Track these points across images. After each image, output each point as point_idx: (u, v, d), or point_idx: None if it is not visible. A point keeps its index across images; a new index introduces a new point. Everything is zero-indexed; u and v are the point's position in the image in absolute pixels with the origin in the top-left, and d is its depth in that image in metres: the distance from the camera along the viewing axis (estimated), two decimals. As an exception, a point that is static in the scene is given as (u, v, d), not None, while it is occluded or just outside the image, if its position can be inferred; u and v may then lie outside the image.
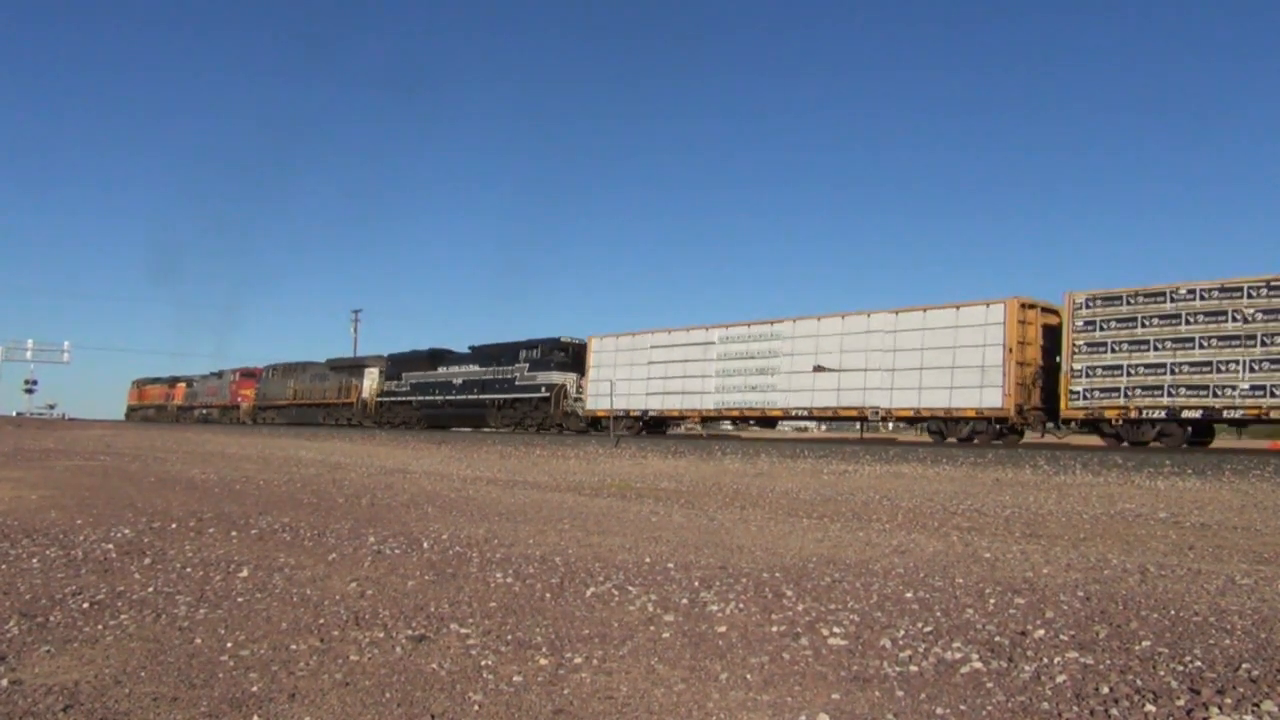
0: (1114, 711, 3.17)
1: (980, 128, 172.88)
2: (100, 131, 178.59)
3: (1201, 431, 20.22)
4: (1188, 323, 19.03)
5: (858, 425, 26.80)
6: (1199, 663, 3.65)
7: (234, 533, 7.45)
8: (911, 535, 7.87)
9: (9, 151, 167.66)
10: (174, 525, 7.86)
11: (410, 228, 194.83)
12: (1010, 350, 21.09)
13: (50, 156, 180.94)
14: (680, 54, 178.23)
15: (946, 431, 22.78)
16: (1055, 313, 21.74)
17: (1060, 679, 3.52)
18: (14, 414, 73.77)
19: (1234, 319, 18.42)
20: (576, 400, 31.67)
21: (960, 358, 22.00)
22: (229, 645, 4.05)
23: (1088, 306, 20.43)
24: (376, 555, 6.34)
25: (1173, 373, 19.13)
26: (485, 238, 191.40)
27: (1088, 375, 20.24)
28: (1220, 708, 3.13)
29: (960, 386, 21.90)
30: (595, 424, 31.16)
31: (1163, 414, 19.37)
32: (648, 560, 6.17)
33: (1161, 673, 3.56)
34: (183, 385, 63.12)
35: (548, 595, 5.07)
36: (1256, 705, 3.14)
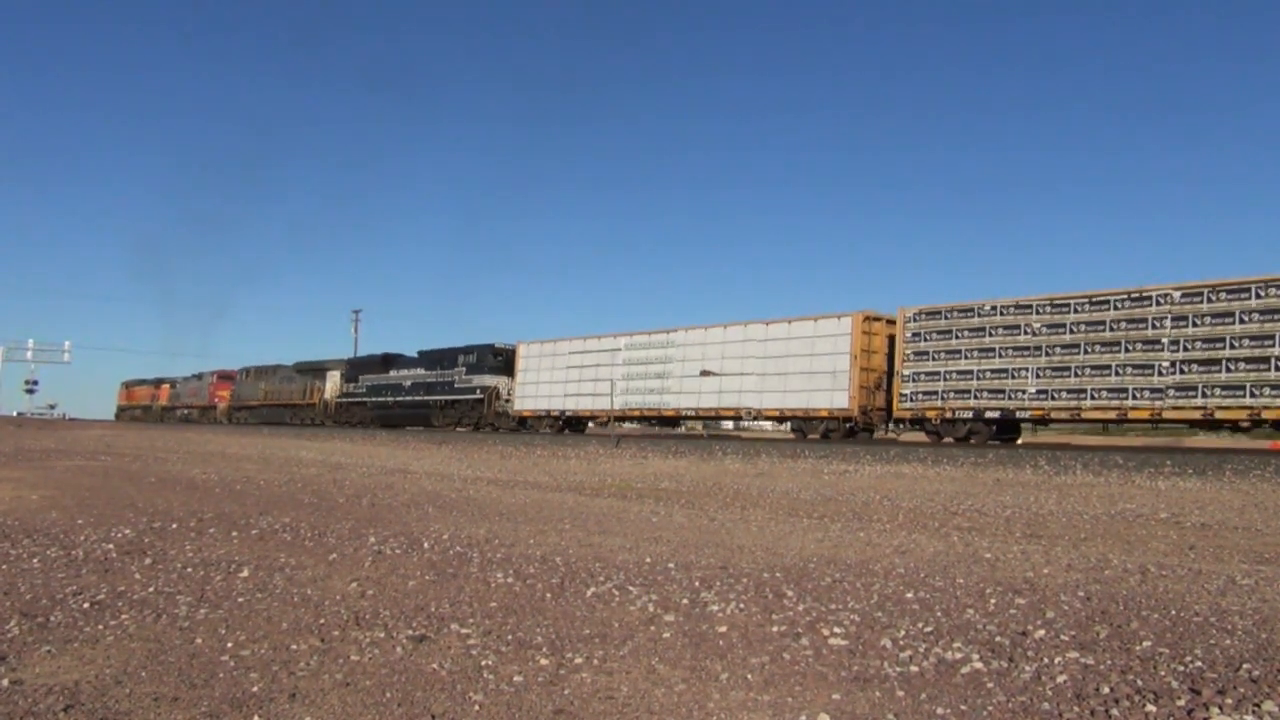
0: (1114, 712, 3.17)
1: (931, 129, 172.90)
2: (99, 131, 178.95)
3: (1006, 429, 23.12)
4: (990, 335, 22.24)
5: (731, 424, 30.96)
6: (1200, 663, 3.65)
7: (235, 533, 7.45)
8: (912, 535, 7.87)
9: (9, 151, 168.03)
10: (175, 525, 7.86)
11: (409, 227, 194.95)
12: (855, 357, 24.32)
13: (49, 156, 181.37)
14: (675, 55, 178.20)
15: (805, 430, 25.69)
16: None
17: (1061, 679, 3.52)
18: (15, 414, 73.81)
19: (1025, 332, 21.62)
20: (507, 401, 35.08)
21: (816, 364, 25.20)
22: (229, 645, 4.05)
23: (914, 320, 23.68)
24: (377, 555, 6.34)
25: (978, 378, 22.37)
26: (475, 236, 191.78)
27: (914, 380, 23.53)
28: (1221, 708, 3.13)
29: (816, 390, 25.09)
30: (523, 423, 34.45)
31: (970, 414, 22.51)
32: (648, 560, 6.17)
33: (1162, 673, 3.55)
34: (167, 386, 65.69)
35: (548, 595, 5.08)
36: (1257, 705, 3.14)
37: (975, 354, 22.42)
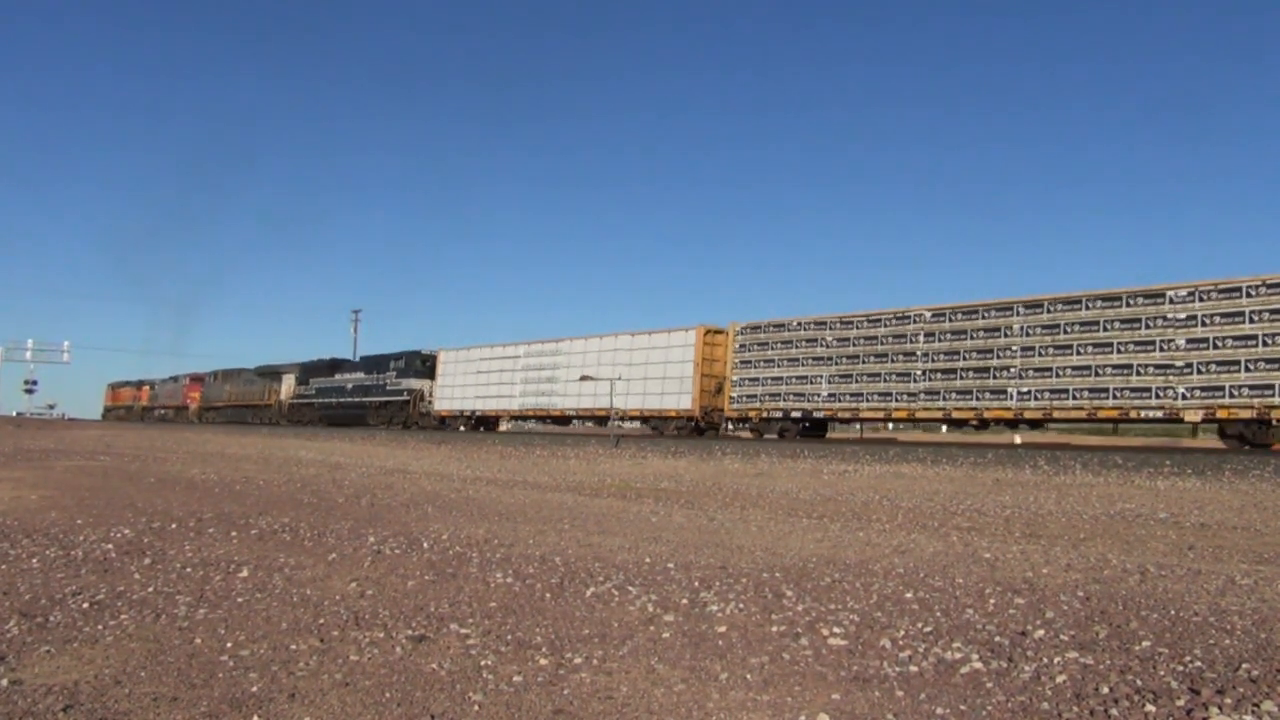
0: (1114, 711, 3.17)
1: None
2: (89, 129, 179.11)
3: (815, 427, 26.61)
4: (796, 347, 25.90)
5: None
6: (1199, 663, 3.65)
7: (234, 533, 7.45)
8: (911, 535, 7.87)
9: (9, 151, 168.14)
10: (174, 525, 7.86)
11: (401, 225, 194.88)
12: (698, 365, 27.94)
13: (44, 156, 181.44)
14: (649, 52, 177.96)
15: (661, 429, 29.16)
16: None
17: (1060, 679, 3.52)
18: (14, 414, 73.78)
19: (821, 345, 25.35)
20: (430, 403, 38.44)
21: (668, 371, 28.83)
22: (229, 645, 4.05)
23: (741, 333, 27.37)
24: (376, 555, 6.34)
25: (786, 384, 25.99)
26: (465, 232, 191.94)
27: (739, 386, 27.21)
28: (1220, 708, 3.13)
29: (668, 393, 28.78)
30: (442, 422, 37.82)
31: (780, 414, 26.01)
32: (648, 560, 6.18)
33: (1161, 673, 3.56)
34: (147, 388, 69.52)
35: (548, 595, 5.08)
36: (1256, 705, 3.14)
37: (785, 363, 26.08)
